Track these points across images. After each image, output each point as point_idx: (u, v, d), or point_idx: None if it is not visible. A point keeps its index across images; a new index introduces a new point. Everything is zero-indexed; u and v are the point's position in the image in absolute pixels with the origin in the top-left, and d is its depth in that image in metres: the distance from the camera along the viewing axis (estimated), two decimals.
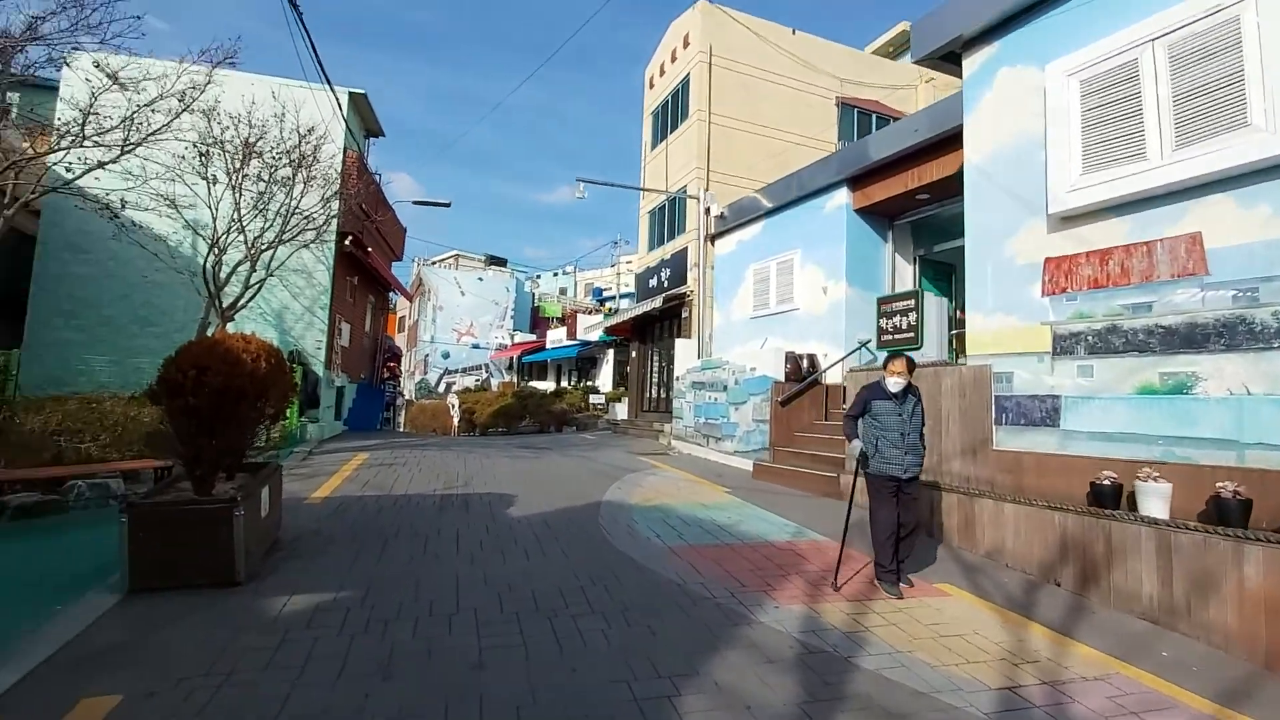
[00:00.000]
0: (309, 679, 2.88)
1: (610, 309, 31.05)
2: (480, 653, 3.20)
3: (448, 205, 15.45)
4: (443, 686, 2.86)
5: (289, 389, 5.04)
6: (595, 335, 26.32)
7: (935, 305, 6.42)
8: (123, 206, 8.97)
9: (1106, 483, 4.58)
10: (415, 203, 16.02)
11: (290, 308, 12.68)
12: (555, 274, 55.55)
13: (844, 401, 9.10)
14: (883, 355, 7.78)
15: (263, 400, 4.55)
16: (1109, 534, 4.30)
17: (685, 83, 15.21)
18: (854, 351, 9.42)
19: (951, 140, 8.14)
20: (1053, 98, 5.19)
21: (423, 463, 9.52)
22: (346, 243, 13.42)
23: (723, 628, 3.62)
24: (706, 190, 13.13)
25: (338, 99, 11.23)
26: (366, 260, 14.82)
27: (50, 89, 9.77)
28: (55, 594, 3.76)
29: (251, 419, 4.56)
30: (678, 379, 12.81)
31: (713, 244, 13.30)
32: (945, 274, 10.42)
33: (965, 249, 6.00)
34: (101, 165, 7.57)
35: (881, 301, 7.01)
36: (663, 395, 15.85)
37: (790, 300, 10.73)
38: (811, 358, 9.53)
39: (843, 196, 9.84)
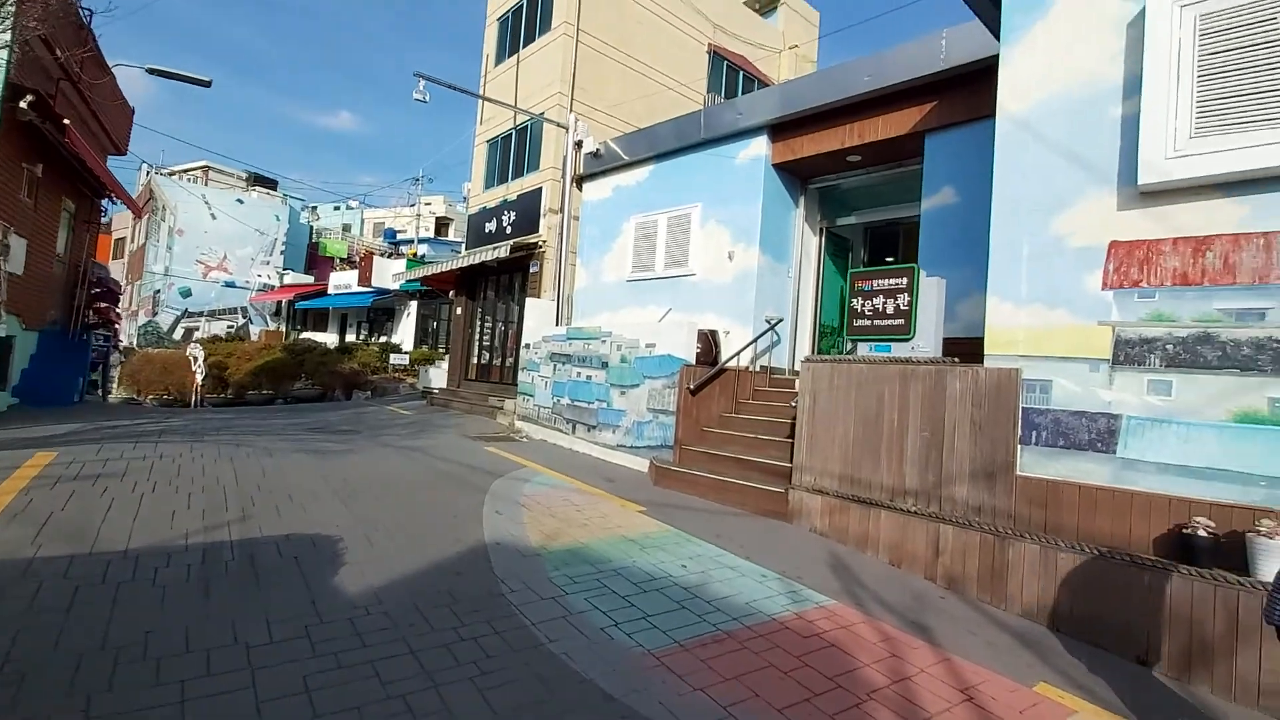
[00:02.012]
0: None
1: (416, 254, 26.87)
2: None
3: (206, 84, 10.93)
4: None
5: None
6: (397, 284, 22.32)
7: (934, 287, 5.12)
8: None
9: (1202, 533, 3.61)
10: (153, 71, 10.99)
11: None
12: (337, 208, 48.18)
13: (754, 391, 7.71)
14: (861, 346, 6.44)
15: None
16: (1234, 605, 3.30)
17: None
18: (764, 333, 8.07)
19: (903, 96, 7.01)
20: (1156, 33, 4.02)
21: (160, 468, 6.10)
22: (23, 104, 8.58)
23: None
24: (573, 116, 10.76)
25: None
26: (63, 141, 9.83)
27: None
28: None
29: None
30: (527, 347, 10.48)
31: (579, 187, 11.04)
32: (844, 250, 9.55)
33: (992, 219, 4.75)
34: None
35: (857, 277, 5.58)
36: (499, 364, 13.31)
37: (684, 263, 9.03)
38: (714, 334, 7.97)
39: (761, 146, 8.31)
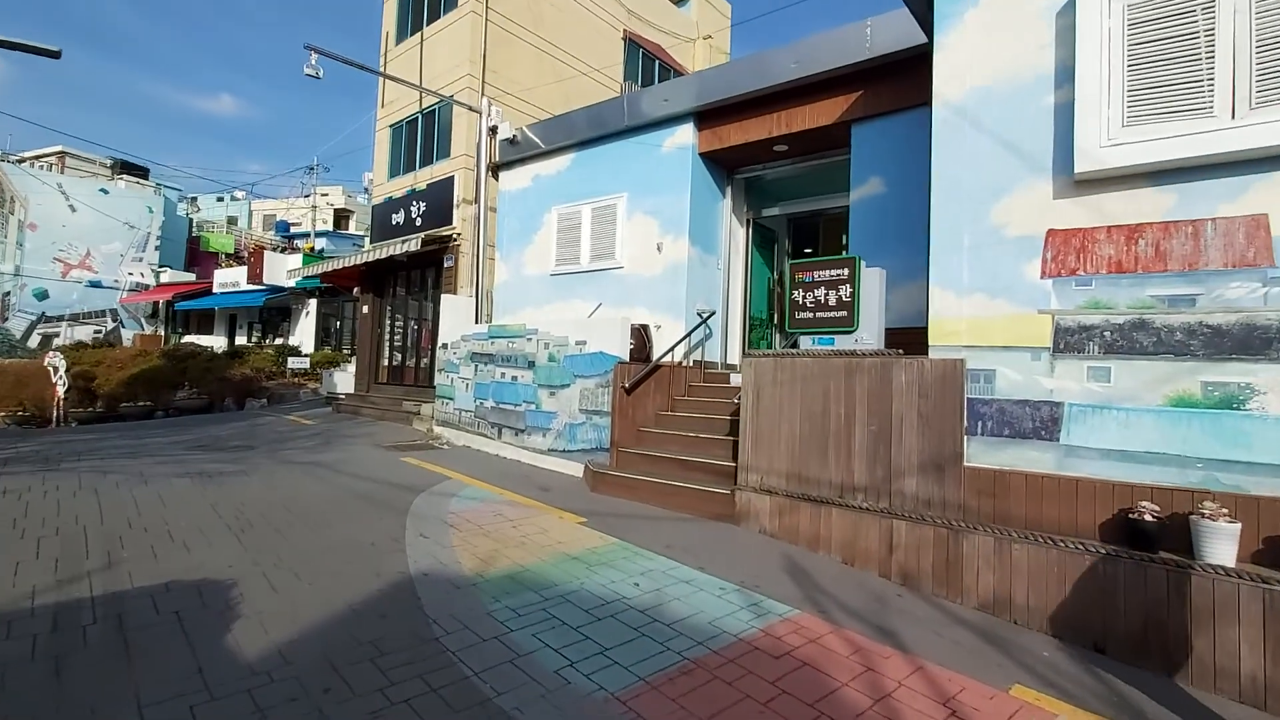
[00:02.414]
0: None
1: (313, 249, 24.98)
2: None
3: (55, 54, 9.38)
4: None
5: None
6: (293, 281, 20.58)
7: (875, 278, 5.03)
8: None
9: (1149, 517, 3.67)
10: None
11: None
12: (221, 199, 44.38)
13: (688, 387, 7.49)
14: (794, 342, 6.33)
15: None
16: (1186, 589, 3.36)
17: None
18: (697, 327, 7.85)
19: (829, 85, 6.95)
20: (1086, 22, 4.04)
21: (1, 508, 5.10)
22: None
23: None
24: (486, 100, 10.09)
25: None
26: None
27: None
28: None
29: None
30: (444, 347, 9.79)
31: (496, 176, 10.40)
32: (769, 241, 9.50)
33: (932, 208, 4.70)
34: None
35: (797, 268, 5.41)
36: (413, 365, 12.44)
37: (610, 256, 8.66)
38: (646, 329, 7.67)
39: (688, 134, 8.06)
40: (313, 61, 8.25)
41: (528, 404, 7.88)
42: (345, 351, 20.42)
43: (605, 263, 8.69)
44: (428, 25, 12.25)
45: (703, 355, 8.14)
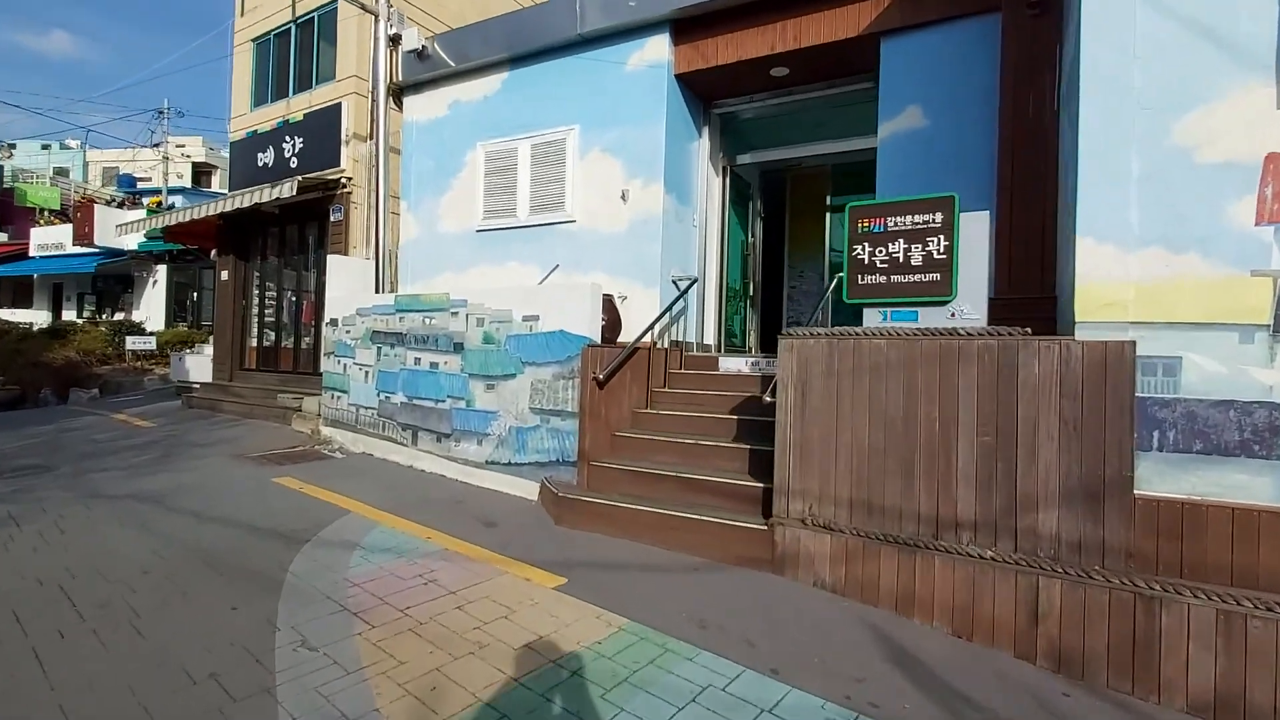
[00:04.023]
0: None
1: (160, 203, 20.83)
2: None
3: None
4: None
5: None
6: (133, 239, 16.83)
7: (978, 225, 3.55)
8: None
9: None
10: None
11: None
12: (46, 147, 37.65)
13: (668, 376, 5.85)
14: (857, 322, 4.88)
15: None
16: None
17: None
18: (678, 299, 6.17)
19: None
20: None
21: None
22: None
23: None
24: (385, 2, 7.71)
25: None
26: None
27: None
28: None
29: None
30: (333, 324, 7.53)
31: (398, 103, 8.08)
32: (744, 196, 7.94)
33: (1080, 126, 3.25)
34: None
35: (859, 212, 3.84)
36: (290, 345, 9.91)
37: (558, 206, 6.74)
38: (613, 301, 5.89)
39: (661, 48, 6.25)
40: None
41: (455, 400, 5.91)
42: (204, 330, 17.03)
43: (551, 215, 6.77)
44: None
45: (681, 334, 6.49)
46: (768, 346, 7.49)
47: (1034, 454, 3.27)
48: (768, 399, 4.16)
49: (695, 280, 6.38)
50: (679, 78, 6.32)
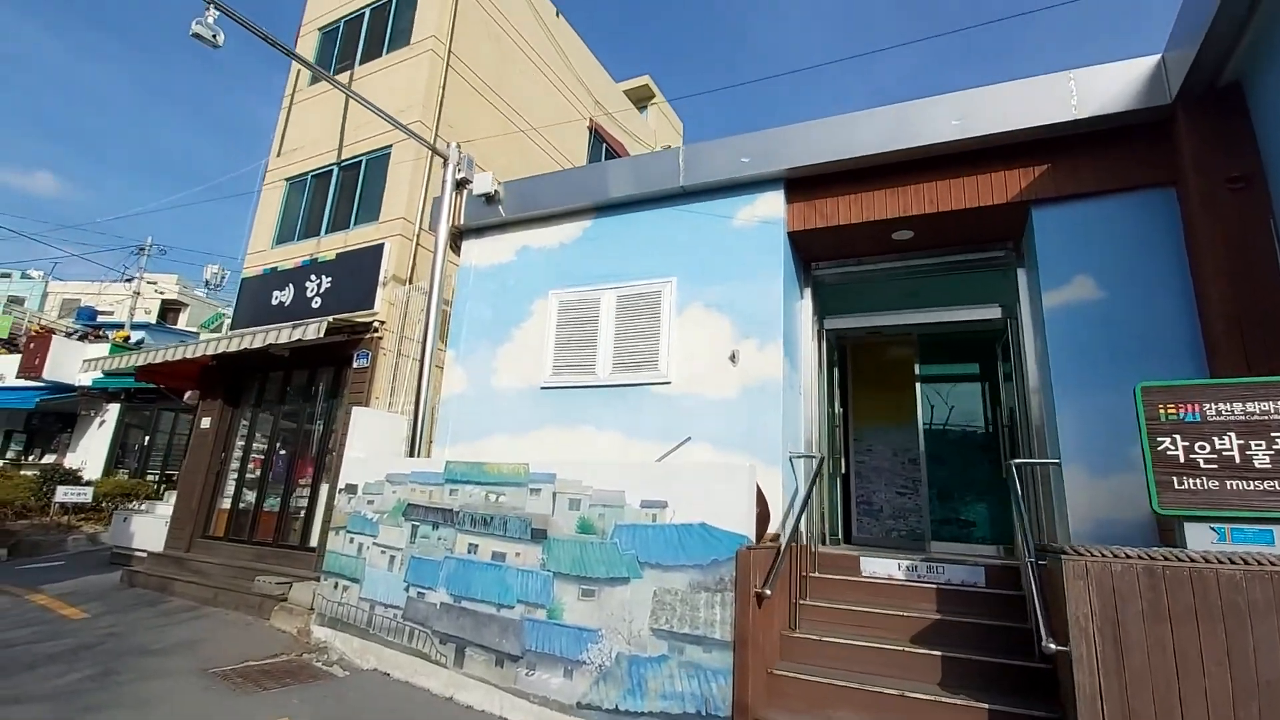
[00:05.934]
0: None
1: (127, 339, 19.38)
2: None
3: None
4: None
5: None
6: (90, 376, 15.12)
7: None
8: None
9: None
10: None
11: None
12: (6, 275, 36.54)
13: (808, 583, 4.65)
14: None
15: None
16: None
17: None
18: (813, 483, 5.12)
19: (1002, 154, 5.15)
20: None
21: None
22: None
23: None
24: (455, 145, 7.29)
25: None
26: None
27: None
28: None
29: None
30: (349, 489, 6.13)
31: (456, 247, 7.39)
32: (831, 359, 7.24)
33: None
34: None
35: (1159, 396, 3.00)
36: (275, 509, 8.25)
37: (651, 365, 5.84)
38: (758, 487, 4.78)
39: (776, 204, 5.81)
40: (209, 20, 5.09)
41: (529, 608, 4.49)
42: (152, 480, 14.95)
43: (640, 374, 5.85)
44: (361, 64, 9.52)
45: (798, 526, 5.35)
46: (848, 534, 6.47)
47: None
48: (1052, 647, 2.98)
49: (823, 458, 5.39)
50: (789, 235, 5.82)
